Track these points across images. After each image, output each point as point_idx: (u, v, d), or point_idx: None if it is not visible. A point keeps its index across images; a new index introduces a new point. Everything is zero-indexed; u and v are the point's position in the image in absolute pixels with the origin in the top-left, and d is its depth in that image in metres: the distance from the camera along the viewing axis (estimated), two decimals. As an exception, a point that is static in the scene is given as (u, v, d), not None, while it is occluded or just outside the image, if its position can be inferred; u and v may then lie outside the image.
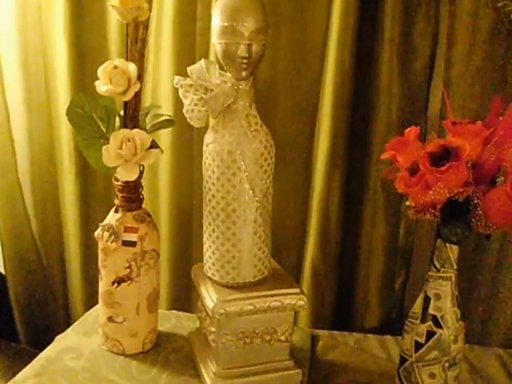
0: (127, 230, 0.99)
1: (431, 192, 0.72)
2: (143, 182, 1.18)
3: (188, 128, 1.16)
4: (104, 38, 1.37)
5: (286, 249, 1.35)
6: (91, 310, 1.20)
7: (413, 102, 1.23)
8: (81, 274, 1.54)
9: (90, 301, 1.40)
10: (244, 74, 0.86)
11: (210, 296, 0.92)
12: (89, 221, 1.48)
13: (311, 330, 1.22)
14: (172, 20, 1.27)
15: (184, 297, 1.45)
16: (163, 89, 1.33)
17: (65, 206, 1.50)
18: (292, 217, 1.34)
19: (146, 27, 0.93)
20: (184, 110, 0.87)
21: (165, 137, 1.33)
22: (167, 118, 1.04)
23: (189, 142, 1.34)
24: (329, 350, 1.14)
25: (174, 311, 1.25)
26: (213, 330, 0.94)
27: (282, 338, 0.95)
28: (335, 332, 1.25)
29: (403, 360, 0.87)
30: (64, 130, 1.42)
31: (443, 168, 0.71)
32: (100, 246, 1.00)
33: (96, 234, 1.00)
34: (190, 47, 1.29)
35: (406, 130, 0.82)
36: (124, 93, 0.91)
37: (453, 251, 0.81)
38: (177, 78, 0.87)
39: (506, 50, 1.15)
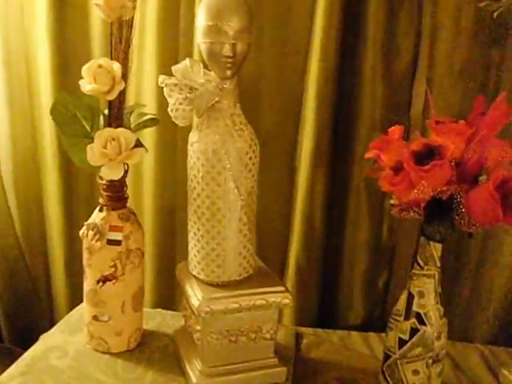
0: (112, 228, 0.99)
1: (415, 190, 0.73)
2: (127, 180, 1.17)
3: (171, 127, 1.17)
4: (87, 38, 1.36)
5: (271, 248, 1.35)
6: (76, 309, 1.20)
7: (396, 101, 1.23)
8: (65, 273, 1.53)
9: (74, 299, 1.39)
10: (228, 73, 0.87)
11: (195, 294, 0.92)
12: (72, 220, 1.47)
13: (295, 327, 1.23)
14: (156, 20, 1.27)
15: (168, 295, 1.44)
16: (147, 88, 1.32)
17: (48, 205, 1.49)
18: (276, 216, 1.34)
19: (131, 26, 0.93)
20: (169, 109, 0.87)
21: (149, 136, 1.32)
22: (151, 116, 1.03)
23: (172, 141, 1.34)
24: (313, 348, 1.14)
25: (159, 310, 1.25)
26: (198, 328, 0.94)
27: (267, 335, 0.96)
28: (319, 330, 1.25)
29: (387, 357, 0.87)
30: (47, 130, 1.41)
31: (427, 167, 0.72)
32: (85, 244, 1.00)
33: (81, 233, 1.00)
34: (173, 47, 1.29)
35: (390, 129, 0.83)
36: (108, 92, 0.90)
37: (436, 249, 0.82)
38: (162, 77, 0.87)
39: (488, 49, 1.16)
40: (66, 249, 1.50)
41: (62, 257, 1.51)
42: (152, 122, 1.03)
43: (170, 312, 1.23)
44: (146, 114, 1.04)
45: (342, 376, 1.04)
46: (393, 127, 0.83)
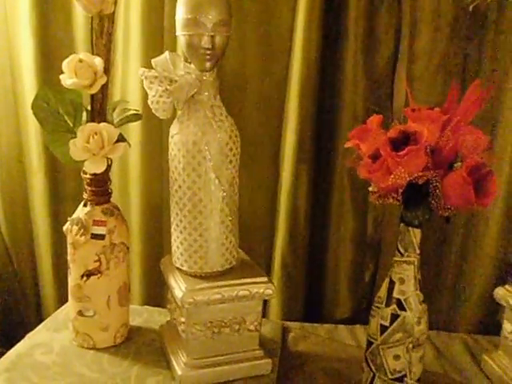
0: (96, 223, 0.99)
1: (392, 176, 0.74)
2: (113, 177, 1.17)
3: (157, 122, 1.18)
4: (71, 36, 1.36)
5: (257, 242, 1.35)
6: (63, 307, 1.20)
7: (378, 95, 1.25)
8: (52, 274, 1.53)
9: (63, 299, 1.38)
10: (208, 65, 0.88)
11: (178, 286, 0.93)
12: (59, 220, 1.47)
13: (282, 322, 1.24)
14: (140, 16, 1.27)
15: (157, 293, 1.44)
16: (132, 84, 1.32)
17: (34, 205, 1.49)
18: (261, 210, 1.35)
19: (112, 21, 0.93)
20: (149, 102, 0.88)
21: (134, 132, 1.33)
22: (135, 112, 1.04)
23: (158, 136, 1.34)
24: (300, 341, 1.15)
25: (146, 306, 1.26)
26: (182, 320, 0.95)
27: (251, 327, 0.96)
28: (306, 324, 1.26)
29: (370, 344, 0.88)
30: (32, 130, 1.41)
31: (403, 152, 0.74)
32: (69, 240, 1.00)
33: (65, 228, 1.00)
34: (158, 43, 1.29)
35: (369, 119, 0.84)
36: (90, 86, 0.91)
37: (415, 235, 0.83)
38: (141, 69, 0.88)
39: (466, 43, 1.18)
40: (54, 249, 1.50)
41: (49, 257, 1.51)
42: (135, 117, 1.04)
43: (157, 308, 1.24)
44: (129, 110, 1.05)
45: (327, 366, 1.05)
46: (372, 117, 0.84)
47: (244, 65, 1.29)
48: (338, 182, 1.29)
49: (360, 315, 1.35)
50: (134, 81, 1.32)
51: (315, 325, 1.26)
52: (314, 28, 1.19)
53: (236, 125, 1.19)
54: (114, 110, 1.04)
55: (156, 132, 1.34)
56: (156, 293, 1.45)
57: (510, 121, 1.18)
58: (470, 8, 1.02)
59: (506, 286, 1.03)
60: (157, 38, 1.29)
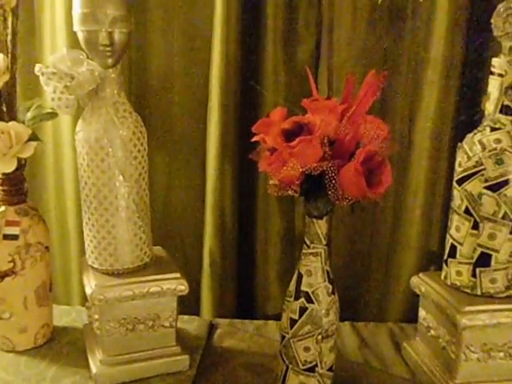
0: (8, 223, 0.98)
1: (285, 167, 0.74)
2: (48, 177, 1.15)
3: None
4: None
5: (188, 240, 1.34)
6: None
7: (301, 90, 1.24)
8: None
9: None
10: (109, 61, 0.87)
11: (89, 283, 0.93)
12: None
13: (211, 319, 1.23)
14: (65, 14, 1.24)
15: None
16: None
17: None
18: (190, 210, 1.33)
19: (16, 15, 0.92)
20: (49, 98, 0.87)
21: (66, 133, 1.29)
22: (49, 110, 1.02)
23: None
24: (226, 337, 1.15)
25: (77, 306, 1.25)
26: (96, 317, 0.95)
27: (166, 323, 0.96)
28: (235, 320, 1.25)
29: (282, 337, 0.88)
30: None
31: (294, 143, 0.73)
32: (-20, 242, 0.99)
33: (-25, 230, 0.99)
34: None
35: (272, 111, 0.83)
36: (-10, 84, 0.90)
37: (320, 227, 0.83)
38: (38, 66, 0.87)
39: (385, 36, 1.18)
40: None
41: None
42: (48, 115, 1.02)
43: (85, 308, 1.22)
44: (44, 108, 1.03)
45: (250, 362, 1.06)
46: (275, 109, 0.83)
47: (171, 66, 1.27)
48: (262, 179, 1.28)
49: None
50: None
51: (245, 321, 1.25)
52: (232, 25, 1.17)
53: (164, 125, 1.17)
54: (28, 109, 1.02)
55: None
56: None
57: (428, 114, 1.19)
58: (379, 2, 1.02)
59: (420, 275, 1.04)
60: None
